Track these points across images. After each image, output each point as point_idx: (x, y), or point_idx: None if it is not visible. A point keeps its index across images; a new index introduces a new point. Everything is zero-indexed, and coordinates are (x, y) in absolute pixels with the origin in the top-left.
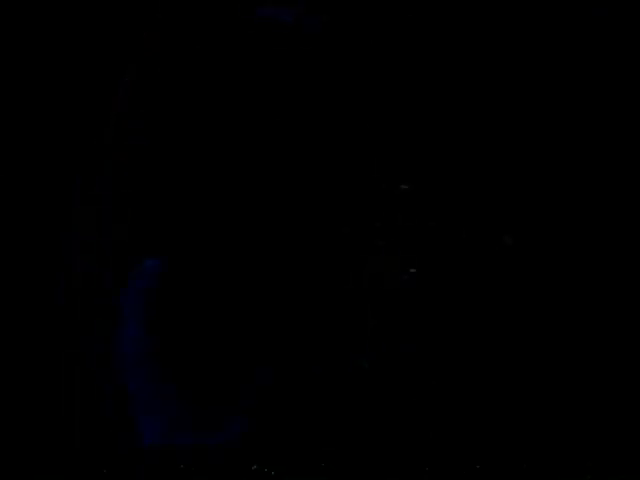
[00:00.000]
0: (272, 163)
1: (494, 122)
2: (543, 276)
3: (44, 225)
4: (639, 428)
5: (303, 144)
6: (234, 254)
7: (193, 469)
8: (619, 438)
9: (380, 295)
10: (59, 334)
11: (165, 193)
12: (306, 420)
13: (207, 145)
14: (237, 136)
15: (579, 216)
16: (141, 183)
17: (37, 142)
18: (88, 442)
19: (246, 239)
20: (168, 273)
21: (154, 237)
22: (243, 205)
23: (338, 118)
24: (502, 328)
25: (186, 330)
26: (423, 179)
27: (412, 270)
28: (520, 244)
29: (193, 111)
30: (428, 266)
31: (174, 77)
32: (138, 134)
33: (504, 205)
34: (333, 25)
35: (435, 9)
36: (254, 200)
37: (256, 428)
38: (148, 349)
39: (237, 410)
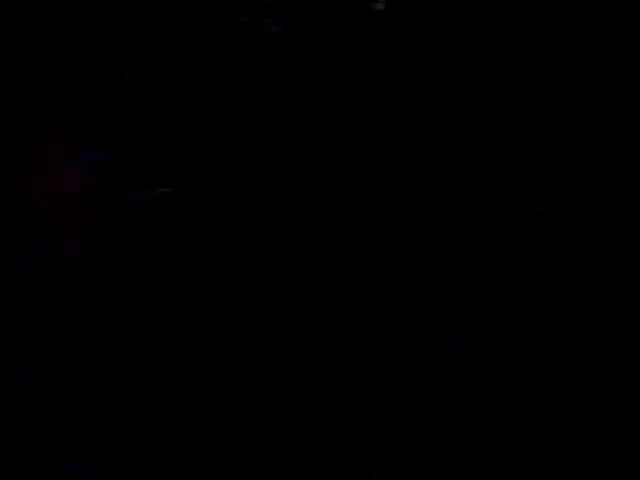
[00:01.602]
0: (273, 161)
1: (493, 123)
2: (544, 274)
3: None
4: None
5: (305, 145)
6: (233, 253)
7: None
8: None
9: (380, 293)
10: None
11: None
12: (305, 420)
13: (208, 144)
14: (237, 133)
15: (585, 222)
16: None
17: (37, 142)
18: None
19: (244, 243)
20: None
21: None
22: (244, 206)
23: (337, 118)
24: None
25: None
26: (423, 179)
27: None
28: (520, 244)
29: (194, 111)
30: (427, 265)
31: (174, 77)
32: (138, 134)
33: (505, 205)
34: None
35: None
36: (254, 200)
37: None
38: None
39: None
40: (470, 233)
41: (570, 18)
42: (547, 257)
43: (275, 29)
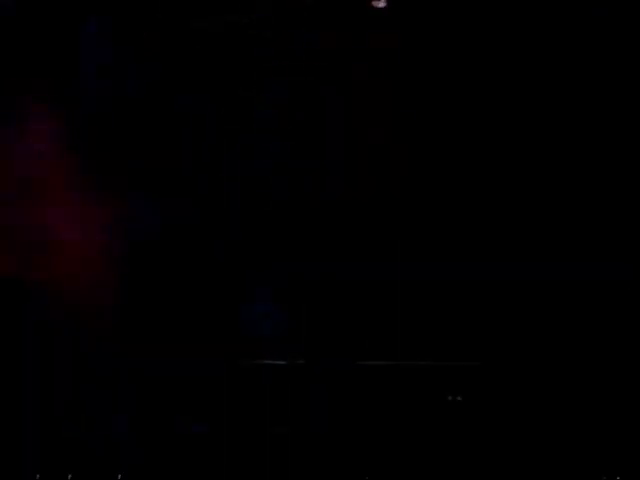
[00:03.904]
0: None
1: (492, 121)
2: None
3: None
4: None
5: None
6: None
7: None
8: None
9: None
10: None
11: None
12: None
13: (210, 143)
14: (237, 131)
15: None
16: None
17: None
18: None
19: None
20: None
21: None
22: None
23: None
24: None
25: None
26: (423, 180)
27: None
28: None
29: (194, 111)
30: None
31: (174, 77)
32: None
33: (506, 205)
34: None
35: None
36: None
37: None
38: None
39: None
40: (469, 234)
41: (570, 18)
42: (547, 260)
43: (274, 29)
